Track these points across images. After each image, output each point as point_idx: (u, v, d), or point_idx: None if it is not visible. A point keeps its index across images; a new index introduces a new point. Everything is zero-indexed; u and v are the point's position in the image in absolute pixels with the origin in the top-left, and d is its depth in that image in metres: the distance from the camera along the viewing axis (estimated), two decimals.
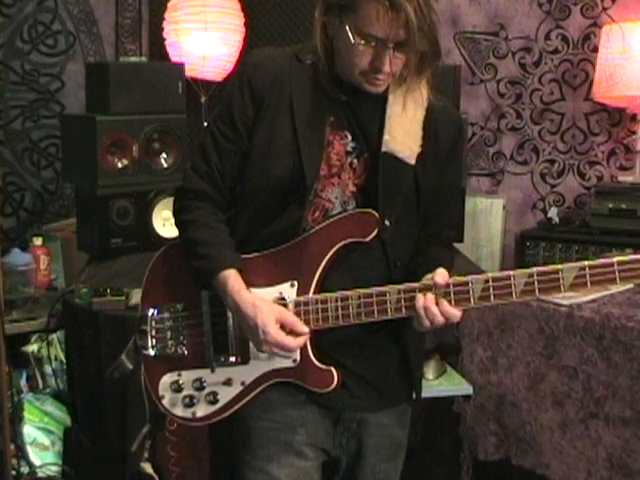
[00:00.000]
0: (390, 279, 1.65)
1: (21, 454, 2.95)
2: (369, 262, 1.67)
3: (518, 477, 2.71)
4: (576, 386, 2.49)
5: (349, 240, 1.64)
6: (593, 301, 2.54)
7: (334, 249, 1.64)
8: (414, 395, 1.83)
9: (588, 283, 1.51)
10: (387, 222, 1.64)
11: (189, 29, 3.96)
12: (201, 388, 1.71)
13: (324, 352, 1.66)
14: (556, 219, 3.89)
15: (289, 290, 1.65)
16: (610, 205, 3.54)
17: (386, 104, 1.66)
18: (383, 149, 1.64)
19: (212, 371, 1.71)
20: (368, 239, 1.63)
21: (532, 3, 3.99)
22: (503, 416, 2.71)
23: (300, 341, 1.61)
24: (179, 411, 1.73)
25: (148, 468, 2.54)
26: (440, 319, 1.55)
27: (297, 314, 1.62)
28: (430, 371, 2.68)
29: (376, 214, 1.63)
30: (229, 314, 1.69)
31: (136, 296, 2.61)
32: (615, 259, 1.50)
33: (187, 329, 1.74)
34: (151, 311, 1.76)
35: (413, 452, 2.04)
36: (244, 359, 1.68)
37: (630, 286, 2.57)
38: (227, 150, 1.69)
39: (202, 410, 1.71)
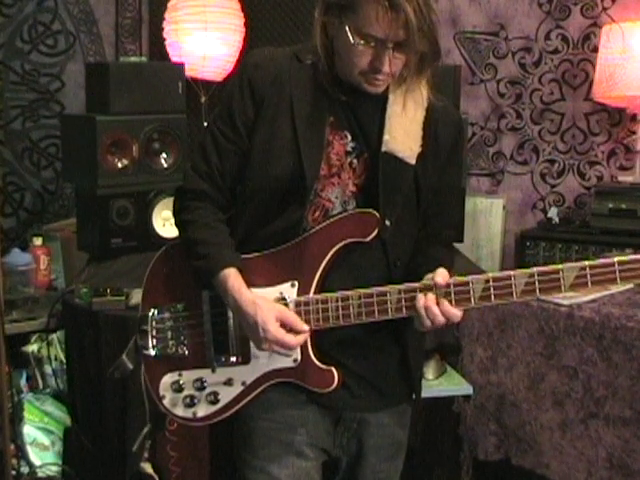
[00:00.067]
0: (390, 279, 1.65)
1: (21, 454, 2.94)
2: (369, 262, 1.67)
3: (518, 477, 2.71)
4: (576, 386, 2.49)
5: (349, 240, 1.64)
6: (593, 301, 2.55)
7: (334, 249, 1.64)
8: (414, 395, 1.83)
9: (589, 283, 1.51)
10: (387, 222, 1.65)
11: (189, 29, 3.96)
12: (202, 388, 1.71)
13: (325, 352, 1.66)
14: (556, 219, 3.88)
15: (289, 290, 1.65)
16: (610, 205, 3.54)
17: (386, 104, 1.66)
18: (383, 149, 1.65)
19: (213, 371, 1.71)
20: (368, 239, 1.63)
21: (532, 3, 3.99)
22: (503, 416, 2.71)
23: (300, 339, 1.61)
24: (180, 411, 1.73)
25: (148, 468, 2.54)
26: (441, 319, 1.56)
27: (298, 314, 1.62)
28: (430, 371, 2.68)
29: (376, 214, 1.64)
30: (230, 314, 1.69)
31: (136, 296, 2.61)
32: (615, 259, 1.50)
33: (188, 329, 1.74)
34: (152, 311, 1.76)
35: (413, 452, 2.04)
36: (245, 359, 1.68)
37: (630, 286, 2.57)
38: (227, 150, 1.70)
39: (203, 410, 1.71)
